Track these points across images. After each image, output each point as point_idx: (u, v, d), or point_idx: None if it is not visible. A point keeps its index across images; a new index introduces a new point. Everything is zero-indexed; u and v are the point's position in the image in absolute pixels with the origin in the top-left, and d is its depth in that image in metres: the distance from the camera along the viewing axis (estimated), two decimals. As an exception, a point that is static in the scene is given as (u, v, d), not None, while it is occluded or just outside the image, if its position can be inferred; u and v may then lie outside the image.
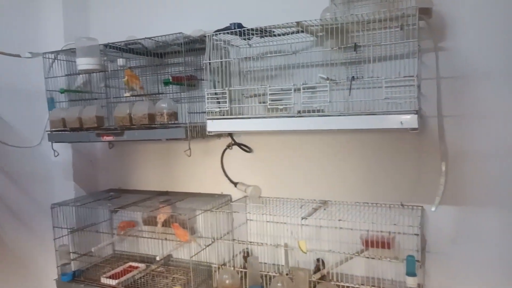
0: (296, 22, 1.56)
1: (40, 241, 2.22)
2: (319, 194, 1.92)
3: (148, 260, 2.22)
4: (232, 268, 1.73)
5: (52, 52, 2.11)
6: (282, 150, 1.99)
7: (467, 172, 1.64)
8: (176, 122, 1.77)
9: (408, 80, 1.35)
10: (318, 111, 1.51)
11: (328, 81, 1.48)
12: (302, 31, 1.68)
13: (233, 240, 1.86)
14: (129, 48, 2.02)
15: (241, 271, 1.76)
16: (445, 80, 1.64)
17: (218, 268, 1.74)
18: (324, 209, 1.70)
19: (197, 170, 2.23)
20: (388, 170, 1.77)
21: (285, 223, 1.83)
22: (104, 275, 2.02)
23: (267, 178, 2.04)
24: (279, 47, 1.82)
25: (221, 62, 1.79)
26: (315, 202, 1.88)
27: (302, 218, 1.56)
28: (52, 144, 2.10)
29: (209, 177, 2.19)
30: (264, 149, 2.04)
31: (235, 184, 2.08)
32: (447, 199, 1.67)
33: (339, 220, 1.53)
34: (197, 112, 1.93)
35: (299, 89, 1.52)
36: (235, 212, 1.88)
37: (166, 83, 1.81)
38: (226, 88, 1.66)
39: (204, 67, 1.70)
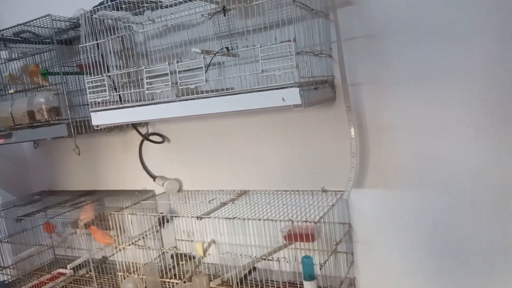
0: (166, -13, 1.31)
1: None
2: (239, 183, 1.70)
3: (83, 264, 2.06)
4: (137, 276, 1.55)
5: None
6: (197, 138, 1.77)
7: (387, 150, 1.38)
8: (59, 118, 1.55)
9: (284, 45, 1.10)
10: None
11: (203, 55, 1.23)
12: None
13: (133, 244, 1.64)
14: (21, 38, 1.79)
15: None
16: (357, 40, 1.36)
17: (123, 276, 1.56)
18: (233, 203, 1.49)
19: (121, 165, 2.03)
20: (305, 152, 1.53)
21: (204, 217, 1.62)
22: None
23: (186, 169, 1.83)
24: (186, 18, 1.55)
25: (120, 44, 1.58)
26: (235, 192, 1.67)
27: (198, 218, 1.36)
28: (-45, 151, 1.94)
29: (132, 172, 1.99)
30: (180, 138, 1.82)
31: (154, 178, 1.88)
32: (369, 181, 1.43)
33: (234, 217, 1.31)
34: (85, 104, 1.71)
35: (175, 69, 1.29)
36: (134, 214, 1.69)
37: (44, 74, 1.58)
38: (105, 74, 1.44)
39: (81, 51, 1.47)
